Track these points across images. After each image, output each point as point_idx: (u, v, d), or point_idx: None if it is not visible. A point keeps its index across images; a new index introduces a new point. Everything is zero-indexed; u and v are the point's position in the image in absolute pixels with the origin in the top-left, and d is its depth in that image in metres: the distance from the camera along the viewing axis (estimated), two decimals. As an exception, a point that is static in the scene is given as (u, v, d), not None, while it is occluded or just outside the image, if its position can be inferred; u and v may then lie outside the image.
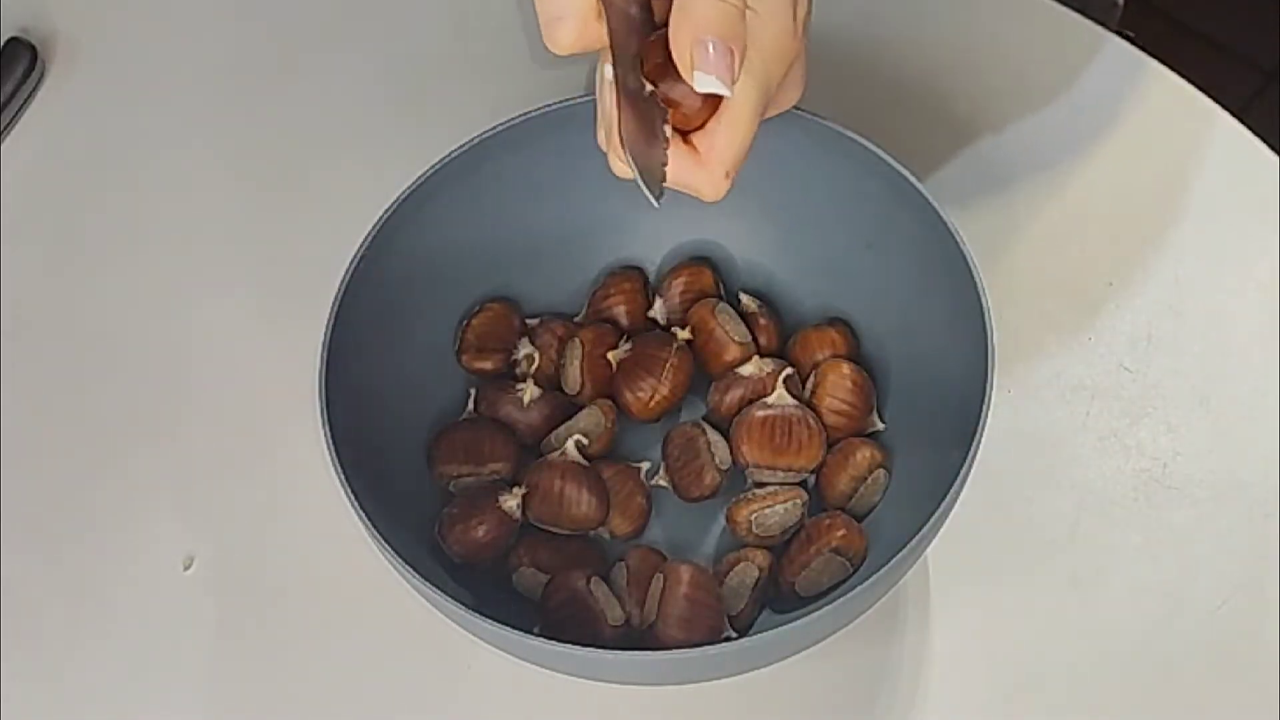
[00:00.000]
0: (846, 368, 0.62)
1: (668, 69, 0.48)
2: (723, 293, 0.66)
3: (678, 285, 0.65)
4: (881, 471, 0.60)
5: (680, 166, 0.49)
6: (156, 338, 0.71)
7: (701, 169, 0.48)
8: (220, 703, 0.62)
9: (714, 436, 0.61)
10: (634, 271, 0.66)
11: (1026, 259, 0.69)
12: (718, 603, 0.57)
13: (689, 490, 0.61)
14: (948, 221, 0.57)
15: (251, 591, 0.64)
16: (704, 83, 0.47)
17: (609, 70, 0.49)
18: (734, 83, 0.47)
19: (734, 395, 0.62)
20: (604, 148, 0.52)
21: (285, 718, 0.62)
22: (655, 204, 0.48)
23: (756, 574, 0.59)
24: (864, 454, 0.60)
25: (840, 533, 0.58)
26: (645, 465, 0.62)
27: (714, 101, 0.48)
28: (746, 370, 0.62)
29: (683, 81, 0.47)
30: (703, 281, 0.65)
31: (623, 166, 0.50)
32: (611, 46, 0.48)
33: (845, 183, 0.61)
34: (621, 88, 0.48)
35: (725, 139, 0.48)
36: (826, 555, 0.58)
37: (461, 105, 0.73)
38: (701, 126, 0.49)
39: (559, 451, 0.60)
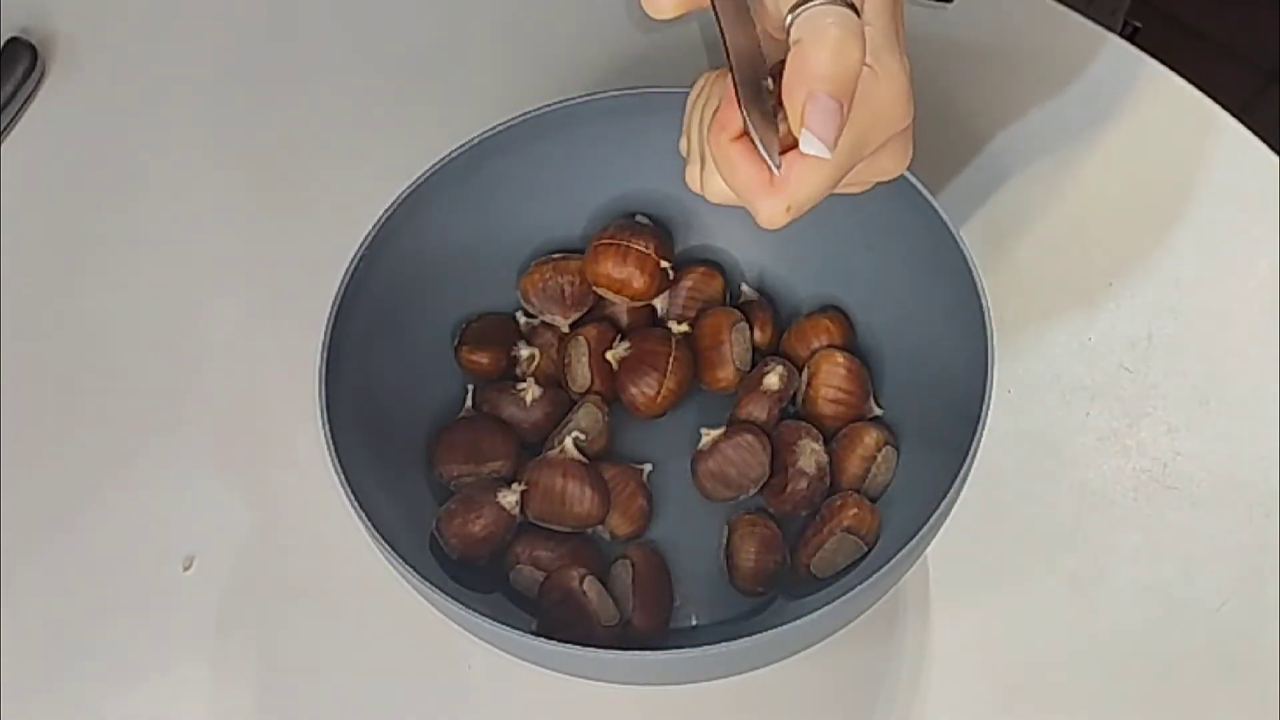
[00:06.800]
0: (840, 356, 0.62)
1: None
2: (729, 297, 0.66)
3: (685, 285, 0.65)
4: (889, 449, 0.60)
5: (750, 181, 0.46)
6: (156, 338, 0.71)
7: (768, 195, 0.46)
8: (220, 703, 0.62)
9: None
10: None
11: (1026, 259, 0.69)
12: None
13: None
14: (948, 221, 0.57)
15: (251, 591, 0.64)
16: (809, 144, 0.45)
17: (697, 87, 0.48)
18: (835, 146, 0.45)
19: (768, 410, 0.62)
20: (683, 154, 0.50)
21: (285, 717, 0.62)
22: (776, 171, 0.45)
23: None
24: (871, 435, 0.60)
25: (853, 512, 0.58)
26: (647, 467, 0.62)
27: None
28: (774, 385, 0.62)
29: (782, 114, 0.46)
30: (712, 286, 0.65)
31: (695, 174, 0.49)
32: (723, 32, 0.46)
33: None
34: (738, 74, 0.46)
35: (799, 177, 0.46)
36: (840, 535, 0.58)
37: (461, 105, 0.73)
38: (786, 151, 0.46)
39: (558, 449, 0.60)
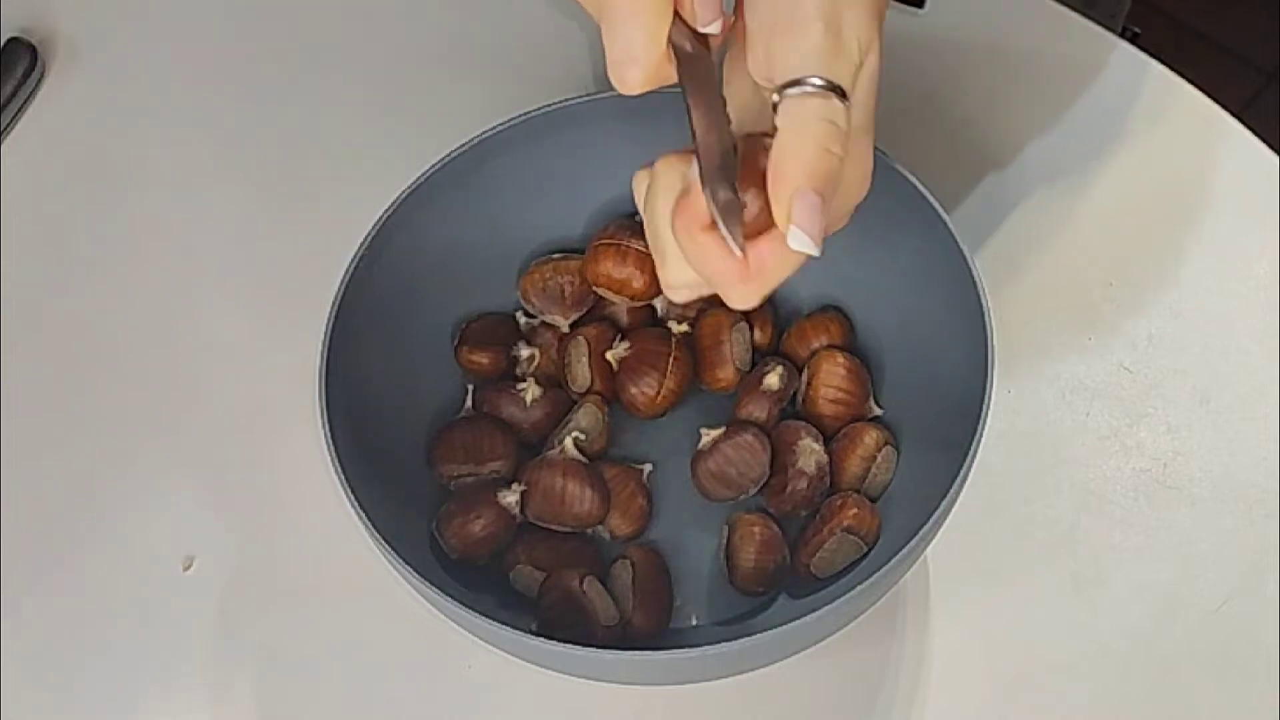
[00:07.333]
0: (840, 356, 0.62)
1: (742, 180, 0.46)
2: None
3: None
4: (890, 449, 0.60)
5: (725, 272, 0.46)
6: (156, 338, 0.71)
7: (742, 282, 0.46)
8: (220, 703, 0.62)
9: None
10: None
11: (1026, 259, 0.69)
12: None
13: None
14: (948, 221, 0.57)
15: (251, 591, 0.64)
16: (798, 241, 0.45)
17: (642, 188, 0.48)
18: (820, 241, 0.45)
19: (768, 410, 0.62)
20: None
21: (285, 717, 0.62)
22: (739, 253, 0.46)
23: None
24: (871, 435, 0.60)
25: (853, 512, 0.58)
26: (647, 467, 0.62)
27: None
28: (774, 385, 0.62)
29: (759, 194, 0.46)
30: None
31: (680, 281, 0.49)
32: (692, 124, 0.47)
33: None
34: (704, 157, 0.46)
35: (775, 264, 0.46)
36: (840, 535, 0.58)
37: (461, 105, 0.73)
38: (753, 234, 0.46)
39: (558, 449, 0.60)
